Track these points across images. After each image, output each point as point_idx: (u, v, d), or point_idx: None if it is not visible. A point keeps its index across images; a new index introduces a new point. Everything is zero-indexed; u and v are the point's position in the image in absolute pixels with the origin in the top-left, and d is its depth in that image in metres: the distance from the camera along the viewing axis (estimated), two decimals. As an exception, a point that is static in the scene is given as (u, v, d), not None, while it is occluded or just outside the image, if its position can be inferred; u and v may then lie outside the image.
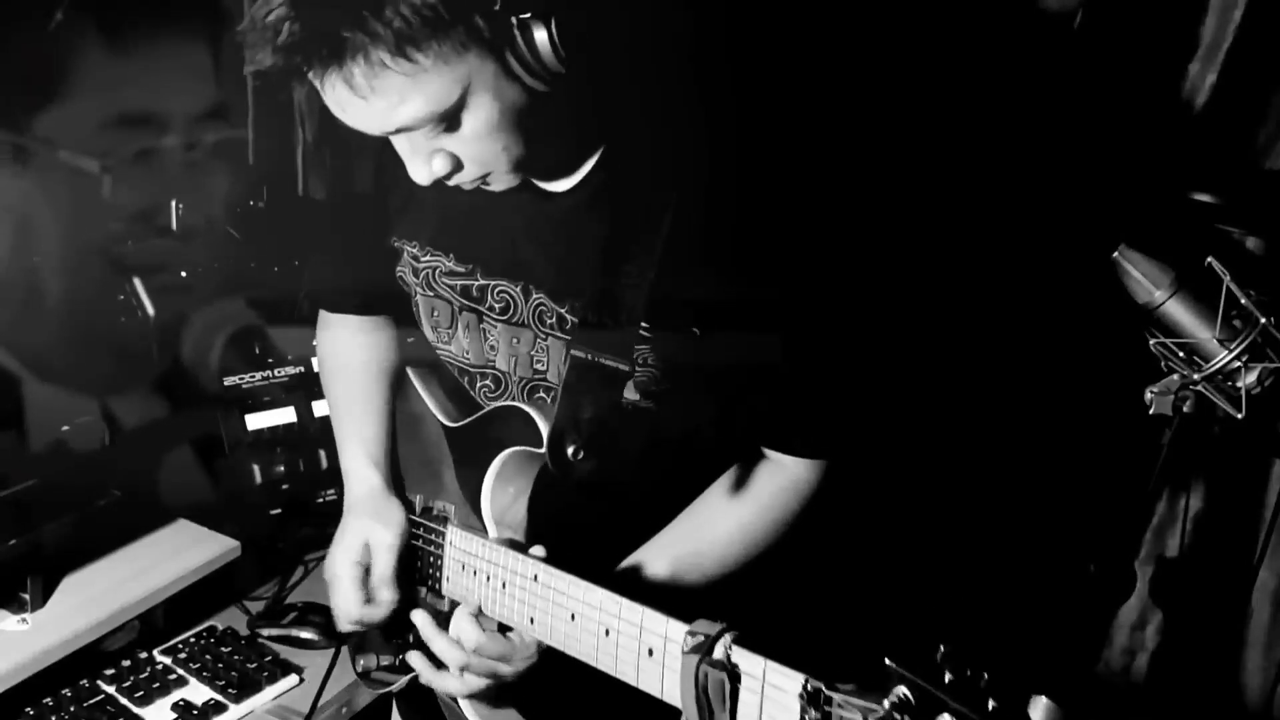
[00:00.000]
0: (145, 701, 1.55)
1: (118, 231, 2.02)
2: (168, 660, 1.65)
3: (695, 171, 1.16)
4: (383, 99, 0.97)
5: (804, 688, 0.89)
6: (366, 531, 1.38)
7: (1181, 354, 1.40)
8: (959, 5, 1.73)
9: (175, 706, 1.55)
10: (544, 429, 1.19)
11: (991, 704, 0.79)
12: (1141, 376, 1.42)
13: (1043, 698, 0.79)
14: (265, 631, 1.76)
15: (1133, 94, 1.66)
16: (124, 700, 1.55)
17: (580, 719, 1.30)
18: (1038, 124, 1.70)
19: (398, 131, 1.03)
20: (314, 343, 1.61)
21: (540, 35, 0.98)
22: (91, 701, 1.54)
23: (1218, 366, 1.35)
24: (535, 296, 1.24)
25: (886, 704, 0.83)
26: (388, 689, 1.46)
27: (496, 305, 1.27)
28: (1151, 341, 1.40)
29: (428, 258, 1.31)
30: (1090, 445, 1.76)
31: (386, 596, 1.36)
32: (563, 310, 1.22)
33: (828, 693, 0.88)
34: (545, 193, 1.22)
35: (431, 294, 1.32)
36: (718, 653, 0.96)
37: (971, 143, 1.71)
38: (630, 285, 1.16)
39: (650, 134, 1.19)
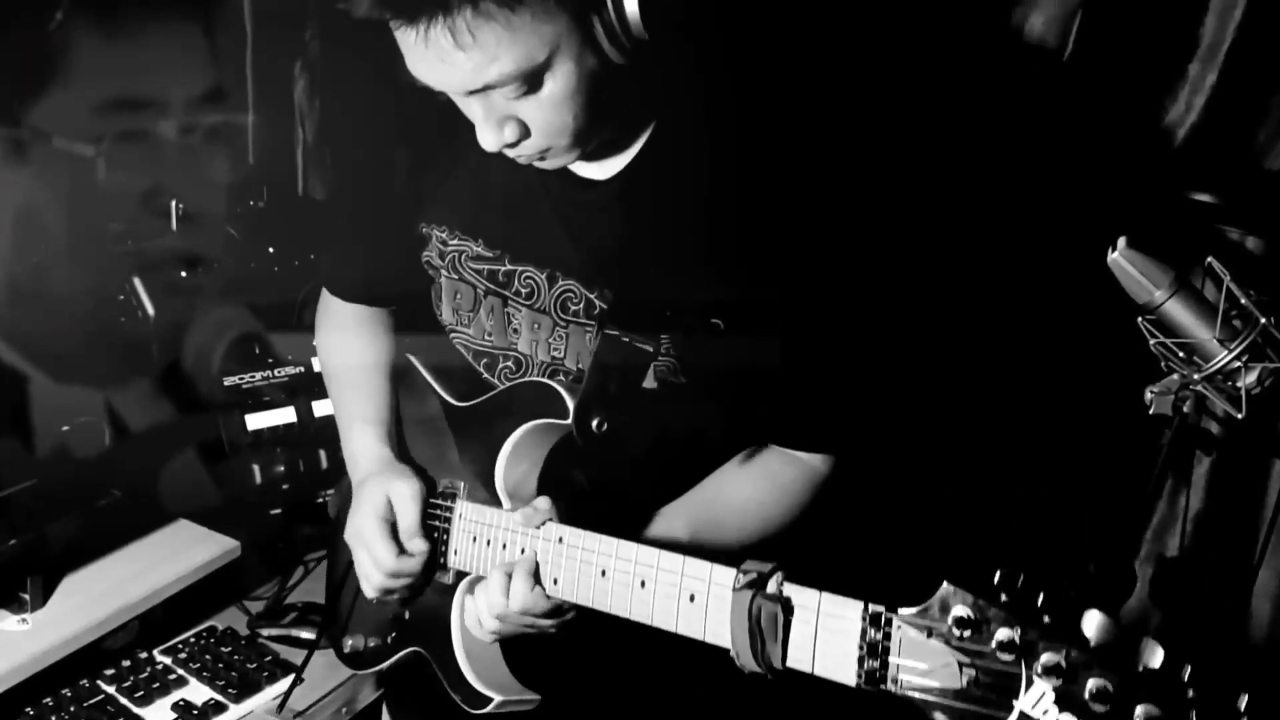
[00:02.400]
0: (145, 701, 1.55)
1: (117, 231, 2.02)
2: (168, 660, 1.65)
3: (731, 169, 1.19)
4: (480, 52, 1.00)
5: (865, 609, 0.93)
6: (386, 486, 1.36)
7: (1181, 354, 1.39)
8: (959, 12, 1.73)
9: (175, 706, 1.55)
10: (569, 401, 1.22)
11: (1046, 619, 0.84)
12: (1141, 376, 1.42)
13: (1095, 611, 0.82)
14: (265, 631, 1.76)
15: (1131, 95, 1.66)
16: (124, 700, 1.55)
17: (569, 683, 1.33)
18: (1037, 125, 1.70)
19: (484, 89, 1.04)
20: (314, 342, 1.61)
21: (630, 1, 1.01)
22: (91, 701, 1.54)
23: (1218, 366, 1.35)
24: (562, 283, 1.27)
25: (949, 620, 0.87)
26: (376, 669, 1.45)
27: (523, 290, 1.29)
28: (1151, 341, 1.40)
29: (456, 241, 1.33)
30: (1090, 445, 1.75)
31: (420, 546, 1.33)
32: (592, 295, 1.25)
33: (889, 614, 0.92)
34: (583, 180, 1.24)
35: (455, 277, 1.34)
36: (770, 588, 1.00)
37: (973, 145, 1.71)
38: (660, 274, 1.20)
39: (694, 128, 1.21)
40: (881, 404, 1.37)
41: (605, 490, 1.27)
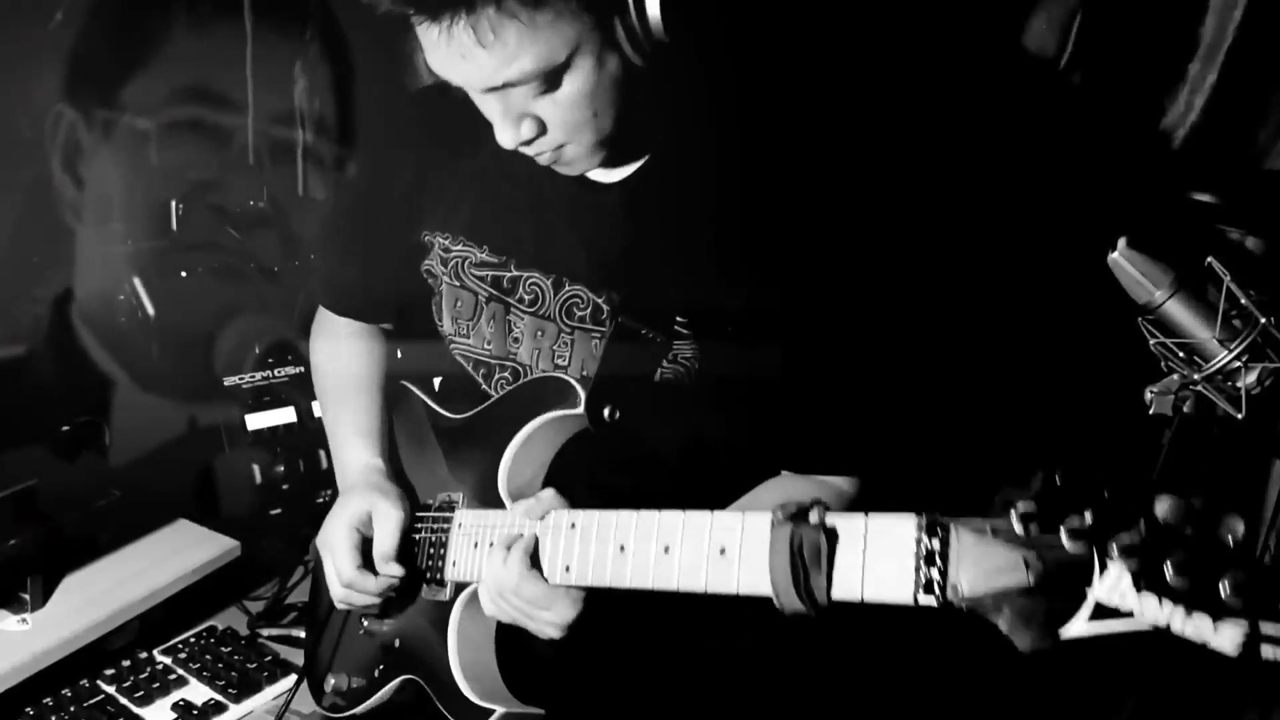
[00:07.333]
0: (145, 701, 1.55)
1: (117, 231, 2.02)
2: (168, 660, 1.65)
3: (741, 176, 1.20)
4: (502, 50, 1.00)
5: (919, 518, 0.89)
6: (370, 503, 1.34)
7: (1181, 354, 1.39)
8: (958, 16, 1.73)
9: (175, 706, 1.55)
10: (581, 391, 1.21)
11: (1114, 504, 0.80)
12: (1141, 376, 1.42)
13: (1166, 494, 0.79)
14: (265, 631, 1.76)
15: (1131, 95, 1.66)
16: (124, 700, 1.55)
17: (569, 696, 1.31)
18: (1038, 126, 1.70)
19: (504, 86, 1.05)
20: (309, 350, 1.60)
21: (652, 5, 1.02)
22: (91, 701, 1.54)
23: (1218, 366, 1.35)
24: (568, 289, 1.27)
25: (1012, 516, 0.82)
26: (358, 710, 1.41)
27: (526, 297, 1.29)
28: (1151, 341, 1.40)
29: (459, 248, 1.32)
30: (1090, 446, 1.75)
31: (393, 570, 1.31)
32: (600, 300, 1.25)
33: (944, 519, 0.87)
34: (593, 183, 1.24)
35: (458, 284, 1.34)
36: (812, 519, 0.95)
37: (974, 147, 1.71)
38: (671, 276, 1.20)
39: (707, 130, 1.22)
40: (897, 415, 1.36)
41: (617, 490, 1.26)
